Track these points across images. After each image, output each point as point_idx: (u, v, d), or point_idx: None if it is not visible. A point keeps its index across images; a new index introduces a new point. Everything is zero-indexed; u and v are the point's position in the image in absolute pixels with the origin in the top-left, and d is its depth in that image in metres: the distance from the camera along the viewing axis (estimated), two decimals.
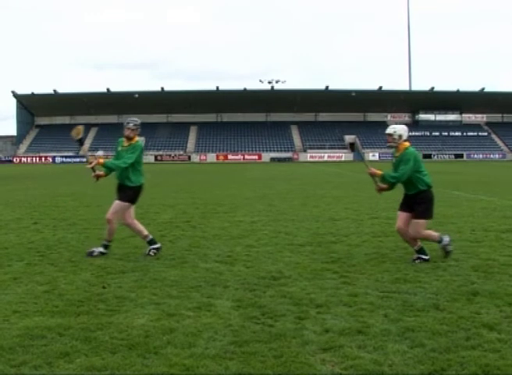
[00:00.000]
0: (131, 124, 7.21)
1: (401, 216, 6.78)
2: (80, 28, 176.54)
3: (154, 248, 7.22)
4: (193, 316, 4.58)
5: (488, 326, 4.24)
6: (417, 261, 6.61)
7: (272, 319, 4.50)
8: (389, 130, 6.85)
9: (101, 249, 7.20)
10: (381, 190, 7.03)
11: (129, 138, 7.22)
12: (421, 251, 6.71)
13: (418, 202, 6.65)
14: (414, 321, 4.39)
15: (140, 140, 7.42)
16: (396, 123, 8.22)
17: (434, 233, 6.83)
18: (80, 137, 7.47)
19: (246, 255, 7.18)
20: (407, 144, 6.78)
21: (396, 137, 6.74)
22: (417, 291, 5.33)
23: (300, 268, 6.40)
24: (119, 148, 7.28)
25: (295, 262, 6.72)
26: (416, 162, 6.64)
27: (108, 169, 7.21)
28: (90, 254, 7.12)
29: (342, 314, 4.61)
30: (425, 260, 6.61)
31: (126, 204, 7.17)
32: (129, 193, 7.18)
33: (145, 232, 7.30)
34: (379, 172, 6.81)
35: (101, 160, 7.21)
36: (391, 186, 6.97)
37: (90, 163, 7.17)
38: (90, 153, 7.40)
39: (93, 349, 3.82)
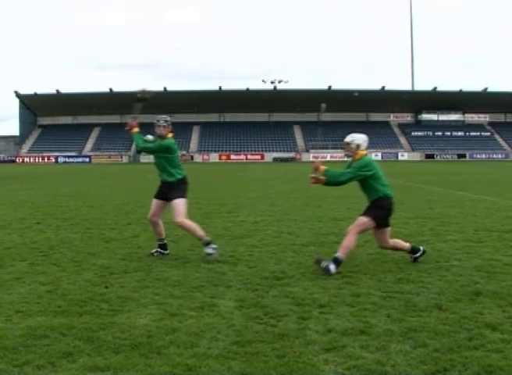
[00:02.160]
0: (161, 121, 7.10)
1: None
2: (81, 28, 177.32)
3: (161, 252, 7.21)
4: (196, 316, 4.58)
5: (491, 327, 4.23)
6: (416, 259, 6.63)
7: (275, 319, 4.50)
8: (348, 138, 6.60)
9: (209, 250, 6.97)
10: (315, 180, 6.58)
11: (163, 136, 7.11)
12: (413, 250, 6.67)
13: (374, 205, 6.42)
14: (416, 321, 4.39)
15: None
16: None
17: (353, 239, 6.27)
18: (145, 96, 7.34)
19: (249, 255, 7.18)
20: (363, 152, 6.54)
21: (353, 146, 6.52)
22: (419, 291, 5.32)
23: (303, 268, 6.40)
24: None
25: (298, 262, 6.72)
26: (370, 170, 6.41)
27: (135, 138, 7.19)
28: (208, 254, 6.92)
29: (345, 314, 4.61)
30: (415, 254, 6.63)
31: (183, 199, 7.05)
32: (179, 188, 7.07)
33: (163, 236, 7.30)
34: (323, 167, 6.58)
35: (136, 129, 7.15)
36: (329, 182, 6.62)
37: (135, 120, 7.16)
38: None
39: (95, 349, 3.83)
